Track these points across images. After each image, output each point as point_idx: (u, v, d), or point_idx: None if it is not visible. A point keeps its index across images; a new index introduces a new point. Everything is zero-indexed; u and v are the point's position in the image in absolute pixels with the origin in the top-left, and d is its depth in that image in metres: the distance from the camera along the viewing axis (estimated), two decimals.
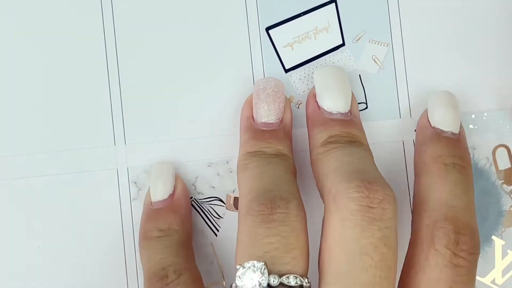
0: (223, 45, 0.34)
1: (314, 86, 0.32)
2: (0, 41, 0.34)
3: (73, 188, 0.33)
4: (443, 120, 0.32)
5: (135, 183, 0.34)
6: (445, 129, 0.32)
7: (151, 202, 0.32)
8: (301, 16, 0.35)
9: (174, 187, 0.33)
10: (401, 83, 0.35)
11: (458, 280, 0.28)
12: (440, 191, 0.30)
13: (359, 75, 0.35)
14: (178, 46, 0.34)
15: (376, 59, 0.35)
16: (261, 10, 0.34)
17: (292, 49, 0.34)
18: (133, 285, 0.33)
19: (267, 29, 0.34)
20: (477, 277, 0.34)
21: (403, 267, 0.30)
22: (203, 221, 0.34)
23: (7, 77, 0.33)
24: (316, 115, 0.32)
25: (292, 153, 0.32)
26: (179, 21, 0.34)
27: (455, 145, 0.32)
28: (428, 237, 0.29)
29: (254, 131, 0.32)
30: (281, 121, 0.32)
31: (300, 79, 0.34)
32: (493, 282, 0.34)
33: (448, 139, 0.32)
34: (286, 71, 0.34)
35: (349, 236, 0.27)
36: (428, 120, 0.33)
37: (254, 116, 0.32)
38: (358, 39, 0.35)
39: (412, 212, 0.31)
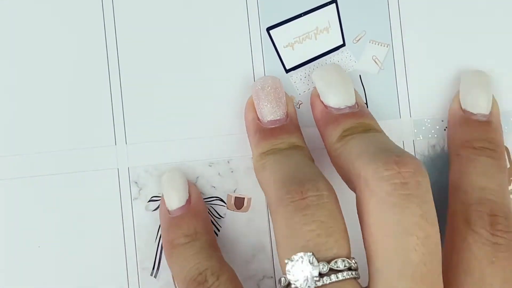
0: (224, 45, 0.34)
1: (314, 88, 0.33)
2: (0, 40, 0.34)
3: (73, 188, 0.33)
4: (471, 103, 0.32)
5: (136, 183, 0.34)
6: (474, 112, 0.32)
7: (169, 211, 0.32)
8: (302, 16, 0.35)
9: (189, 192, 0.32)
10: (401, 83, 0.35)
11: (500, 256, 0.28)
12: (471, 175, 0.30)
13: (359, 75, 0.35)
14: (178, 46, 0.34)
15: (376, 60, 0.35)
16: (262, 10, 0.34)
17: (293, 49, 0.35)
18: (134, 285, 0.33)
19: (268, 29, 0.34)
20: None
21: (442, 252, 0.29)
22: None
23: (8, 77, 0.33)
24: (325, 115, 0.32)
25: (305, 143, 0.32)
26: (180, 22, 0.34)
27: (484, 128, 0.32)
28: (464, 221, 0.29)
29: (263, 131, 0.32)
30: (287, 115, 0.32)
31: (300, 79, 0.34)
32: None
33: (478, 122, 0.32)
34: (287, 71, 0.34)
35: (389, 219, 0.27)
36: (459, 102, 0.33)
37: (259, 116, 0.32)
38: (359, 39, 0.35)
39: (448, 197, 0.31)
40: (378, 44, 0.35)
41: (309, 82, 0.34)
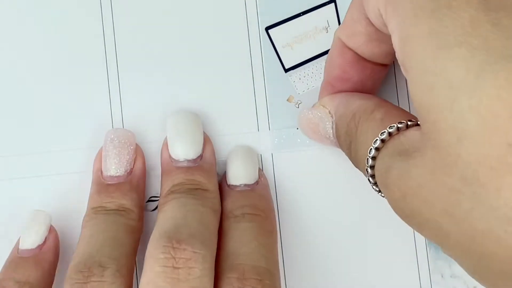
0: (223, 45, 0.34)
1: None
2: None
3: (73, 188, 0.33)
4: (233, 176, 0.32)
5: None
6: (237, 184, 0.32)
7: (18, 249, 0.31)
8: (301, 16, 0.35)
9: (46, 238, 0.31)
10: (401, 82, 0.35)
11: None
12: (228, 244, 0.30)
13: None
14: (177, 47, 0.34)
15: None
16: (260, 10, 0.34)
17: (292, 48, 0.34)
18: (133, 285, 0.33)
19: (267, 28, 0.34)
20: None
21: None
22: None
23: (5, 77, 0.34)
24: (166, 165, 0.32)
25: (140, 206, 0.31)
26: (179, 22, 0.34)
27: (246, 195, 0.32)
28: None
29: (100, 185, 0.31)
30: (129, 172, 0.32)
31: (300, 78, 0.34)
32: None
33: (240, 192, 0.32)
34: (286, 70, 0.34)
35: None
36: (225, 177, 0.33)
37: (102, 169, 0.32)
38: None
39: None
40: None
41: (308, 81, 0.34)
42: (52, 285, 0.31)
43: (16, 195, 0.33)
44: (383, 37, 0.27)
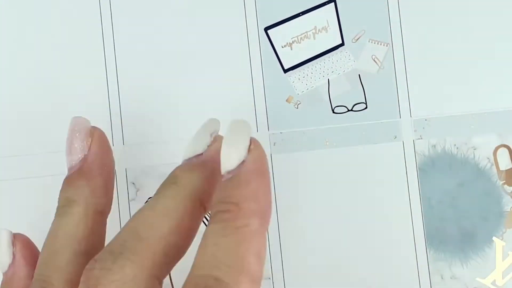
0: (222, 45, 0.34)
1: None
2: None
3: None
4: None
5: (133, 183, 0.34)
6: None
7: None
8: (300, 16, 0.34)
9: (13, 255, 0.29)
10: (401, 83, 0.34)
11: None
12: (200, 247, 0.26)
13: (359, 75, 0.34)
14: (176, 47, 0.34)
15: (376, 59, 0.34)
16: (259, 10, 0.34)
17: (291, 49, 0.34)
18: None
19: (266, 29, 0.34)
20: (478, 279, 0.34)
21: None
22: (202, 221, 0.34)
23: (5, 78, 0.34)
24: None
25: (98, 193, 0.28)
26: (178, 22, 0.34)
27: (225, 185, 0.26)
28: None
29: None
30: (84, 159, 0.29)
31: (299, 79, 0.34)
32: (493, 283, 0.34)
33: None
34: (285, 71, 0.34)
35: None
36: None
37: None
38: (358, 38, 0.35)
39: None
40: (377, 43, 0.34)
41: (307, 82, 0.34)
42: None
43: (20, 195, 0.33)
44: None
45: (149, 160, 0.34)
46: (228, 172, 0.26)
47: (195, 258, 0.25)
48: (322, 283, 0.34)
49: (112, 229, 0.33)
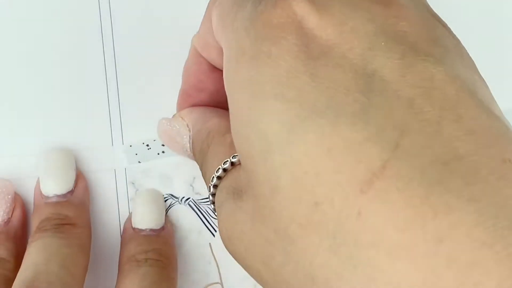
0: None
1: None
2: None
3: None
4: (140, 220, 0.32)
5: (132, 183, 0.34)
6: (143, 228, 0.32)
7: None
8: None
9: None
10: None
11: None
12: (127, 286, 0.30)
13: None
14: (175, 47, 0.34)
15: None
16: None
17: None
18: None
19: None
20: None
21: None
22: (201, 221, 0.34)
23: (4, 78, 0.33)
24: (37, 202, 0.31)
25: (18, 256, 0.30)
26: (178, 23, 0.34)
27: (152, 240, 0.32)
28: None
29: None
30: (7, 222, 0.31)
31: None
32: None
33: (145, 236, 0.32)
34: None
35: None
36: (131, 221, 0.33)
37: None
38: None
39: None
40: None
41: None
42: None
43: None
44: None
45: (149, 160, 0.34)
46: (153, 230, 0.32)
47: None
48: None
49: (110, 228, 0.33)
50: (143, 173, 0.34)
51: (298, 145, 0.19)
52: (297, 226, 0.19)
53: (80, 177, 0.32)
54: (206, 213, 0.34)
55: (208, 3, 0.27)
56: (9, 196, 0.31)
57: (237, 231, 0.22)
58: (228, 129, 0.26)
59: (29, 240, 0.30)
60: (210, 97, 0.30)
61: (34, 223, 0.31)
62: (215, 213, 0.26)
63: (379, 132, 0.18)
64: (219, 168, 0.25)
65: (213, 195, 0.25)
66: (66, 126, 0.33)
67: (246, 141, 0.21)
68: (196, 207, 0.34)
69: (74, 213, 0.31)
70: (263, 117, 0.20)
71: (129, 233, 0.32)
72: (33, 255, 0.29)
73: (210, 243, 0.34)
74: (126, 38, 0.34)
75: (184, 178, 0.34)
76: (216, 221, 0.34)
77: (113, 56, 0.34)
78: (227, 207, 0.23)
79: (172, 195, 0.34)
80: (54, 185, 0.31)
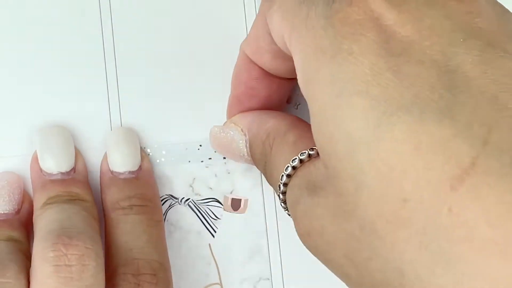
0: (222, 46, 0.34)
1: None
2: None
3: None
4: (117, 162, 0.32)
5: None
6: (121, 170, 0.32)
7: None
8: None
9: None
10: None
11: None
12: (118, 238, 0.30)
13: None
14: (176, 48, 0.34)
15: None
16: (259, 6, 0.34)
17: None
18: None
19: None
20: None
21: None
22: (201, 222, 0.34)
23: (5, 77, 0.33)
24: (37, 179, 0.31)
25: (26, 239, 0.31)
26: (178, 23, 0.34)
27: (132, 185, 0.31)
28: (113, 286, 0.28)
29: None
30: (17, 212, 0.31)
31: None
32: None
33: (125, 180, 0.31)
34: None
35: None
36: (107, 164, 0.32)
37: None
38: None
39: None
40: None
41: None
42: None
43: None
44: (288, 55, 0.26)
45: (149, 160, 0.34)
46: (131, 173, 0.32)
47: (123, 241, 0.29)
48: (322, 284, 0.34)
49: None
50: None
51: (385, 142, 0.19)
52: (384, 222, 0.19)
53: (78, 154, 0.32)
54: (205, 214, 0.34)
55: (260, 9, 0.27)
56: (19, 190, 0.32)
57: (317, 227, 0.23)
58: (287, 129, 0.27)
59: (36, 213, 0.30)
60: (261, 102, 0.30)
61: (40, 199, 0.30)
62: (288, 212, 0.26)
63: (466, 129, 0.18)
64: (288, 166, 0.25)
65: (283, 193, 0.26)
66: (66, 126, 0.33)
67: (330, 139, 0.21)
68: (196, 208, 0.34)
69: (82, 190, 0.31)
70: (347, 115, 0.20)
71: (107, 176, 0.32)
72: (52, 215, 0.29)
73: (209, 244, 0.34)
74: (126, 34, 0.34)
75: (184, 179, 0.34)
76: (215, 222, 0.34)
77: (114, 56, 0.34)
78: (304, 203, 0.24)
79: (171, 195, 0.34)
80: (59, 163, 0.31)
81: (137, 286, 0.28)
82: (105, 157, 0.32)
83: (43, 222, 0.29)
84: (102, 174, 0.32)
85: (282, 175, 0.26)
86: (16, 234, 0.30)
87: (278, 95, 0.31)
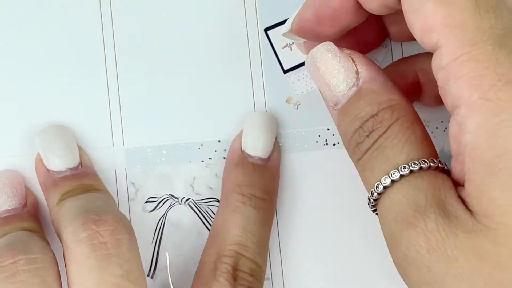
0: (222, 46, 0.34)
1: (38, 153, 0.32)
2: None
3: None
4: (250, 145, 0.32)
5: (133, 184, 0.34)
6: (252, 154, 0.32)
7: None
8: None
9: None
10: None
11: None
12: (231, 226, 0.30)
13: None
14: (176, 48, 0.34)
15: (374, 61, 0.34)
16: (260, 11, 0.34)
17: (291, 49, 0.34)
18: None
19: (266, 30, 0.34)
20: None
21: None
22: (201, 221, 0.34)
23: (5, 78, 0.33)
24: (46, 179, 0.31)
25: (41, 229, 0.31)
26: (178, 23, 0.34)
27: (259, 173, 0.31)
28: (213, 269, 0.29)
29: None
30: (24, 205, 0.31)
31: (298, 79, 0.34)
32: None
33: (254, 165, 0.32)
34: (285, 71, 0.34)
35: (89, 283, 0.25)
36: (240, 142, 0.32)
37: None
38: None
39: (208, 238, 0.31)
40: None
41: (307, 82, 0.34)
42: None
43: None
44: None
45: (149, 160, 0.34)
46: (260, 159, 0.32)
47: (233, 230, 0.30)
48: (322, 284, 0.34)
49: None
50: (143, 173, 0.34)
51: None
52: None
53: (81, 150, 0.33)
54: (206, 213, 0.34)
55: None
56: (20, 185, 0.32)
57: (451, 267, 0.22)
58: (416, 118, 0.24)
59: (54, 210, 0.30)
60: (338, 32, 0.27)
61: (55, 197, 0.30)
62: (376, 212, 0.25)
63: None
64: (386, 178, 0.24)
65: (376, 200, 0.25)
66: (66, 126, 0.33)
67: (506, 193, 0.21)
68: (196, 207, 0.34)
69: (94, 181, 0.31)
70: None
71: (237, 154, 0.32)
72: (74, 203, 0.29)
73: None
74: (126, 35, 0.34)
75: (184, 179, 0.34)
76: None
77: (114, 56, 0.34)
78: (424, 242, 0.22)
79: (172, 195, 0.34)
80: (65, 159, 0.31)
81: (238, 281, 0.29)
82: (240, 135, 0.33)
83: (65, 213, 0.28)
84: (232, 150, 0.32)
85: (378, 185, 0.24)
86: (28, 224, 0.30)
87: (359, 32, 0.29)
